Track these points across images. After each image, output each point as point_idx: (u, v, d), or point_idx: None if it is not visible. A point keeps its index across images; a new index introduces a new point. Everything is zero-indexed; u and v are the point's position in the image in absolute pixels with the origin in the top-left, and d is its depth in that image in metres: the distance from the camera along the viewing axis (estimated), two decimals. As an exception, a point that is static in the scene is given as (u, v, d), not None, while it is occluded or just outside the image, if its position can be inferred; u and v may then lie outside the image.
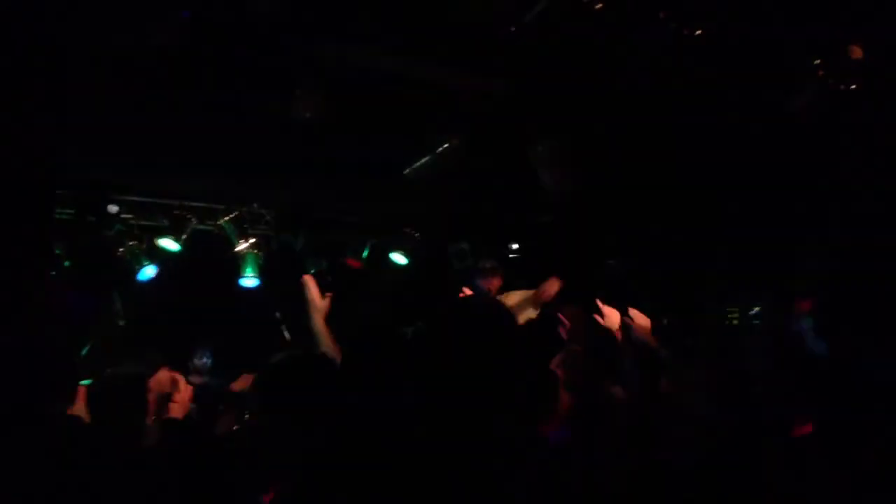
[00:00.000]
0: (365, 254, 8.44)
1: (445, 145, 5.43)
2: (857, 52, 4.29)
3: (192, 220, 7.39)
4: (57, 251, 6.77)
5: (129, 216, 7.17)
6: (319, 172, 6.71)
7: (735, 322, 8.75)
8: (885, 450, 3.03)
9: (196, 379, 7.12)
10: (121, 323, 7.12)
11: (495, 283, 6.14)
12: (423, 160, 5.58)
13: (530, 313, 5.92)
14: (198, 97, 5.25)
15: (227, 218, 7.53)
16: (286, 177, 6.84)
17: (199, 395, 4.07)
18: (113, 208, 6.72)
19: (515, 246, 6.86)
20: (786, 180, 6.56)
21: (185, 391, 3.94)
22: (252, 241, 7.64)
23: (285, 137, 5.86)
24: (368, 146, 6.10)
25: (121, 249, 7.12)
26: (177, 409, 3.92)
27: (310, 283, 4.56)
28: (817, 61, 4.38)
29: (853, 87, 4.36)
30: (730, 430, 3.10)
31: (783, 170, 6.29)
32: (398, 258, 8.46)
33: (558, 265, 8.38)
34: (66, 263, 6.87)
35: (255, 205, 7.72)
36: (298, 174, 6.78)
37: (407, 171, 5.71)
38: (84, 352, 6.87)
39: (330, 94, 4.89)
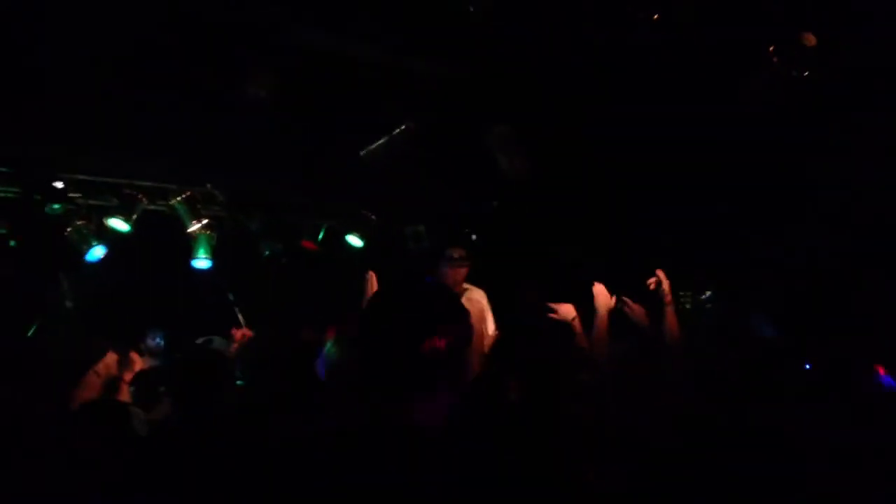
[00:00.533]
0: (320, 236, 8.38)
1: (401, 128, 5.39)
2: (810, 40, 4.33)
3: (143, 200, 7.24)
4: (0, 230, 6.62)
5: (77, 195, 7.00)
6: (273, 154, 6.63)
7: (687, 306, 8.86)
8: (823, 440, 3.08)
9: (148, 361, 7.04)
10: (68, 305, 6.95)
11: (462, 272, 6.01)
12: (378, 143, 5.53)
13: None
14: (150, 75, 5.14)
15: (178, 199, 7.39)
16: (240, 158, 6.73)
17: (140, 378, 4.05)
18: (58, 184, 6.53)
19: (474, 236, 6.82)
20: (738, 165, 6.64)
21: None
22: (205, 222, 7.52)
23: (239, 118, 5.78)
24: (323, 128, 6.05)
25: (68, 229, 6.93)
26: (128, 391, 3.90)
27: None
28: (771, 48, 4.40)
29: (806, 74, 4.40)
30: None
31: (736, 154, 6.36)
32: (354, 241, 8.40)
33: (512, 250, 8.45)
34: (11, 243, 6.70)
35: (209, 185, 7.59)
36: (252, 156, 6.68)
37: (362, 153, 5.65)
38: (30, 334, 6.74)
39: (284, 74, 4.80)
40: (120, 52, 4.78)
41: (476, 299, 6.06)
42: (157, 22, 4.45)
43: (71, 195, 6.86)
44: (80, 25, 4.34)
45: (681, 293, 8.88)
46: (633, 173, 7.03)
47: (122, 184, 7.14)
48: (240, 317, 7.54)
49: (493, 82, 5.26)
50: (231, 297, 7.68)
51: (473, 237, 8.10)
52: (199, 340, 3.80)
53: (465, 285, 6.03)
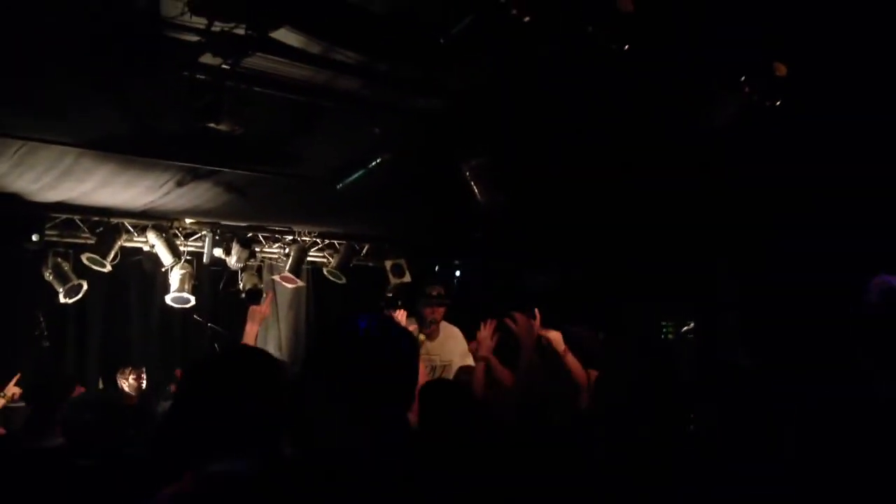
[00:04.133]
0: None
1: (377, 160, 5.40)
2: (781, 70, 4.38)
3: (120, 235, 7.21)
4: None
5: (54, 233, 6.96)
6: (251, 187, 6.63)
7: (670, 336, 8.90)
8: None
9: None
10: (45, 345, 6.88)
11: (440, 311, 6.00)
12: (355, 175, 5.53)
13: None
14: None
15: (156, 233, 7.35)
16: (219, 192, 6.72)
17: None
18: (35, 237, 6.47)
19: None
20: (713, 194, 6.69)
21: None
22: (185, 258, 7.48)
23: (217, 151, 5.78)
24: (302, 161, 6.06)
25: (45, 268, 6.87)
26: None
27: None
28: (742, 78, 4.45)
29: (777, 104, 4.45)
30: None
31: (711, 183, 6.41)
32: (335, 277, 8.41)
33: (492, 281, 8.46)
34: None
35: (188, 220, 7.58)
36: (231, 189, 6.67)
37: (339, 185, 5.65)
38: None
39: (257, 107, 4.80)
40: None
41: (457, 336, 6.05)
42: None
43: (48, 233, 6.82)
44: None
45: (663, 324, 8.97)
46: (613, 203, 7.08)
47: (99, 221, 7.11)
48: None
49: (469, 114, 5.29)
50: (210, 333, 7.63)
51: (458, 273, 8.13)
52: None
53: (443, 323, 6.02)
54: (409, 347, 1.95)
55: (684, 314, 8.82)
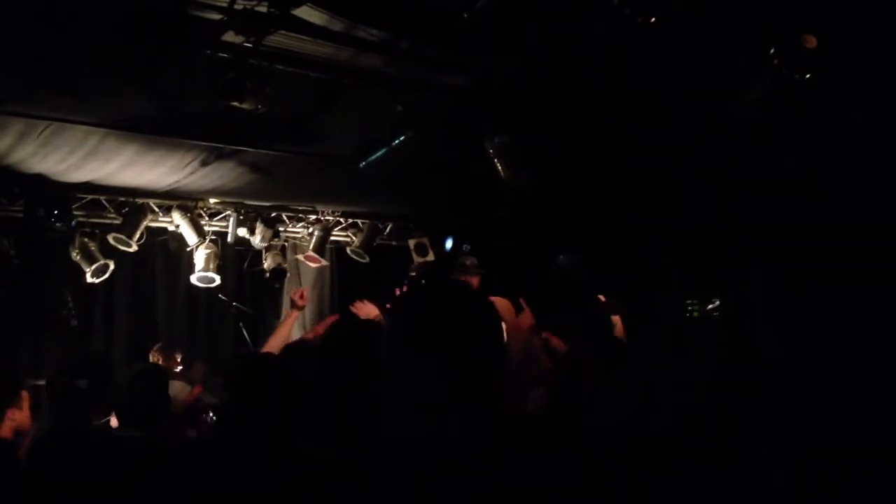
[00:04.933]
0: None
1: (401, 138, 5.37)
2: (811, 42, 4.29)
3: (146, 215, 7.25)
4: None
5: (81, 213, 7.01)
6: (275, 167, 6.63)
7: (695, 314, 8.81)
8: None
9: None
10: (73, 324, 6.94)
11: (475, 281, 6.04)
12: (378, 153, 5.51)
13: None
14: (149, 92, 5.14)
15: (181, 213, 7.38)
16: (243, 172, 6.73)
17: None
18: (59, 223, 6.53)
19: (467, 246, 6.79)
20: (740, 175, 6.60)
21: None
22: (210, 238, 7.52)
23: (241, 131, 5.78)
24: (325, 139, 6.05)
25: (72, 248, 6.92)
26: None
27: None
28: (772, 51, 4.36)
29: (808, 77, 4.36)
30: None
31: (736, 165, 6.33)
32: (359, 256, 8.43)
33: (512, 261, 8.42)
34: (16, 261, 6.70)
35: (212, 200, 7.60)
36: (255, 169, 6.68)
37: (362, 163, 5.63)
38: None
39: (280, 86, 4.79)
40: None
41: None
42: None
43: (76, 213, 6.86)
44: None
45: (688, 301, 8.89)
46: (636, 183, 7.01)
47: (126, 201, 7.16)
48: (244, 332, 7.52)
49: (494, 91, 5.24)
50: (235, 312, 7.66)
51: (466, 247, 8.09)
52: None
53: None
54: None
55: (710, 291, 8.73)
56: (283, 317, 4.87)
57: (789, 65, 4.35)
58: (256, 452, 2.59)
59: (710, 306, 8.94)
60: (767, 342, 7.06)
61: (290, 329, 4.71)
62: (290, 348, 3.97)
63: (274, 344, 4.55)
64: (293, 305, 4.84)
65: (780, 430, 3.29)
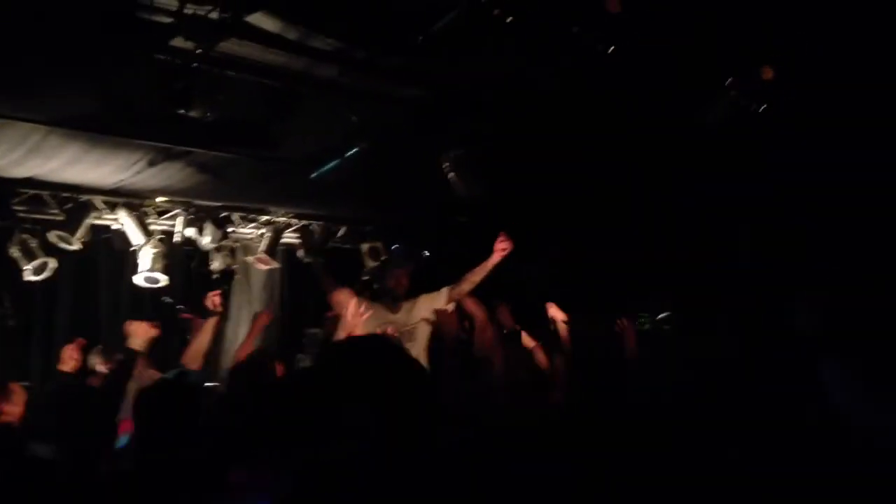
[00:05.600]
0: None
1: (354, 150, 5.27)
2: (768, 73, 4.30)
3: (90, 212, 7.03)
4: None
5: (22, 209, 6.77)
6: (226, 168, 6.48)
7: (646, 327, 8.87)
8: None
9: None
10: (11, 324, 6.71)
11: (402, 278, 6.04)
12: (330, 165, 5.41)
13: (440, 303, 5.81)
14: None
15: (127, 211, 7.18)
16: (192, 172, 6.56)
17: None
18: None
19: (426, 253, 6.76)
20: (693, 187, 6.64)
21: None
22: (157, 237, 7.32)
23: (191, 132, 5.62)
24: (278, 145, 5.92)
25: (11, 245, 6.68)
26: None
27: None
28: (729, 80, 4.37)
29: (763, 107, 4.37)
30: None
31: (691, 177, 6.36)
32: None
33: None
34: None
35: (160, 199, 7.41)
36: (205, 170, 6.52)
37: (314, 175, 5.52)
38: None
39: (232, 91, 4.66)
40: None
41: (421, 299, 6.03)
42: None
43: (15, 209, 6.63)
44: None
45: (639, 314, 8.94)
46: (591, 191, 7.01)
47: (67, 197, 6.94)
48: (188, 336, 7.34)
49: (449, 106, 5.17)
50: (180, 314, 7.47)
51: (426, 253, 8.03)
52: (171, 374, 3.62)
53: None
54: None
55: (660, 304, 8.79)
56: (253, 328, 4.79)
57: (745, 95, 4.36)
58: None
59: (661, 316, 9.02)
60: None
61: (210, 336, 4.60)
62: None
63: (191, 353, 4.46)
64: (209, 313, 4.71)
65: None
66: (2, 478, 2.73)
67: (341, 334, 4.57)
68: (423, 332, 5.81)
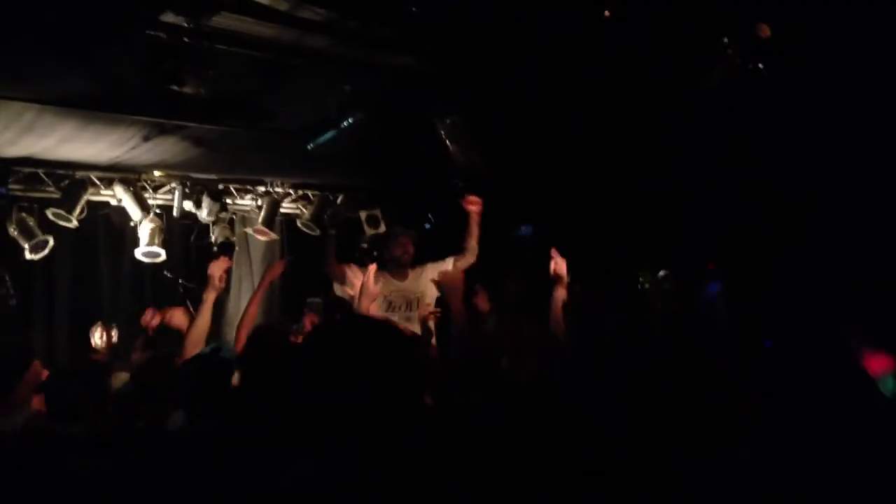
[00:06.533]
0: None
1: (349, 120, 5.23)
2: (765, 31, 4.25)
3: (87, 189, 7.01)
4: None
5: (18, 187, 6.75)
6: (221, 141, 6.44)
7: (646, 286, 8.88)
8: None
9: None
10: (12, 303, 6.71)
11: (408, 245, 6.12)
12: (326, 135, 5.38)
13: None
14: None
15: (124, 187, 7.16)
16: (187, 146, 6.52)
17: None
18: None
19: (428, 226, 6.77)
20: (692, 150, 6.62)
21: None
22: (154, 211, 7.30)
23: (185, 106, 5.57)
24: (272, 116, 5.88)
25: (9, 223, 6.66)
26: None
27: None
28: (725, 39, 4.32)
29: (760, 66, 4.33)
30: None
31: (690, 140, 6.33)
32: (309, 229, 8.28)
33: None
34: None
35: (156, 173, 7.38)
36: (200, 144, 6.48)
37: (310, 146, 5.49)
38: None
39: (224, 65, 4.61)
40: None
41: (427, 267, 6.12)
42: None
43: (11, 187, 6.61)
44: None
45: (638, 274, 8.95)
46: (591, 156, 6.98)
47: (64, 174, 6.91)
48: (191, 308, 7.35)
49: (445, 74, 5.13)
50: (182, 289, 7.49)
51: (428, 225, 8.02)
52: (206, 349, 3.63)
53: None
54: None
55: (660, 262, 8.79)
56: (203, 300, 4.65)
57: (743, 53, 4.32)
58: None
59: (660, 274, 9.04)
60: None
61: (209, 314, 4.54)
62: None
63: (196, 333, 4.39)
64: (211, 286, 4.64)
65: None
66: None
67: (359, 305, 4.53)
68: (432, 300, 5.85)
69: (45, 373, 3.96)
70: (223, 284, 4.90)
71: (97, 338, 6.90)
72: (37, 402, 3.87)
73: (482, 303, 6.74)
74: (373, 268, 4.71)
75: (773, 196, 6.64)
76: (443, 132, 5.59)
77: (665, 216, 8.01)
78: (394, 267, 6.06)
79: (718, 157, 6.66)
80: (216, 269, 4.73)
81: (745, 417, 2.87)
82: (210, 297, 4.58)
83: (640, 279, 8.93)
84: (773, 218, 6.76)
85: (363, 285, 4.56)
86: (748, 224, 7.25)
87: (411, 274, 6.06)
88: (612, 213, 7.99)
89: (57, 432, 3.36)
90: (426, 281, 5.95)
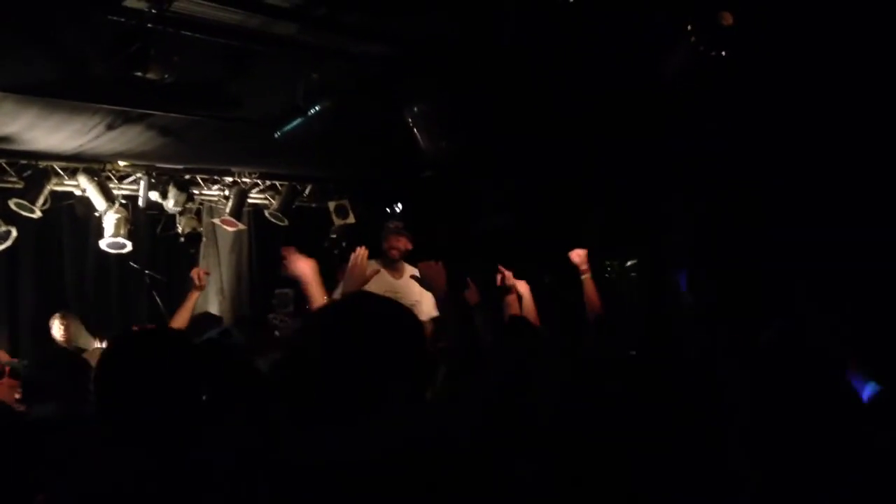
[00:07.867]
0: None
1: (316, 108, 5.20)
2: (727, 19, 4.29)
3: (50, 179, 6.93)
4: None
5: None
6: (187, 130, 6.38)
7: (614, 276, 8.96)
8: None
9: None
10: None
11: (402, 242, 5.96)
12: (293, 123, 5.35)
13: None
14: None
15: (88, 177, 7.08)
16: (153, 135, 6.46)
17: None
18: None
19: (399, 206, 6.72)
20: (659, 136, 6.66)
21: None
22: (119, 201, 7.22)
23: (149, 94, 5.51)
24: (238, 105, 5.83)
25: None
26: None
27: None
28: (688, 27, 4.35)
29: (723, 53, 4.37)
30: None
31: (658, 126, 6.36)
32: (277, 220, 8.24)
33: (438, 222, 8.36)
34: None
35: (121, 163, 7.30)
36: (165, 133, 6.42)
37: (277, 134, 5.46)
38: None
39: (189, 52, 4.57)
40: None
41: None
42: None
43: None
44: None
45: (606, 262, 9.02)
46: (560, 144, 7.00)
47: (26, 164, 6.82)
48: (158, 300, 7.30)
49: (415, 59, 5.12)
50: (148, 279, 7.42)
51: (398, 208, 7.99)
52: (214, 333, 3.54)
53: (405, 264, 5.97)
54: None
55: (628, 251, 8.86)
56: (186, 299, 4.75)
57: (705, 41, 4.35)
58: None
59: (629, 263, 9.12)
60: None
61: (191, 311, 4.64)
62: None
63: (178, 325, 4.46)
64: (193, 286, 4.75)
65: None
66: None
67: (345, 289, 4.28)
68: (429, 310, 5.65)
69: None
70: (205, 283, 5.07)
71: (55, 329, 6.81)
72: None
73: (472, 296, 6.62)
74: (363, 251, 4.36)
75: (743, 183, 6.71)
76: (411, 120, 5.57)
77: (636, 205, 8.07)
78: (388, 262, 5.90)
79: (688, 141, 6.71)
80: (196, 272, 4.96)
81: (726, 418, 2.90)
82: (193, 297, 4.76)
83: (609, 267, 9.02)
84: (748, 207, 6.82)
85: (348, 269, 4.18)
86: (720, 214, 7.33)
87: (406, 272, 5.85)
88: (583, 202, 8.02)
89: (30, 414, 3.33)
90: (417, 287, 5.78)
